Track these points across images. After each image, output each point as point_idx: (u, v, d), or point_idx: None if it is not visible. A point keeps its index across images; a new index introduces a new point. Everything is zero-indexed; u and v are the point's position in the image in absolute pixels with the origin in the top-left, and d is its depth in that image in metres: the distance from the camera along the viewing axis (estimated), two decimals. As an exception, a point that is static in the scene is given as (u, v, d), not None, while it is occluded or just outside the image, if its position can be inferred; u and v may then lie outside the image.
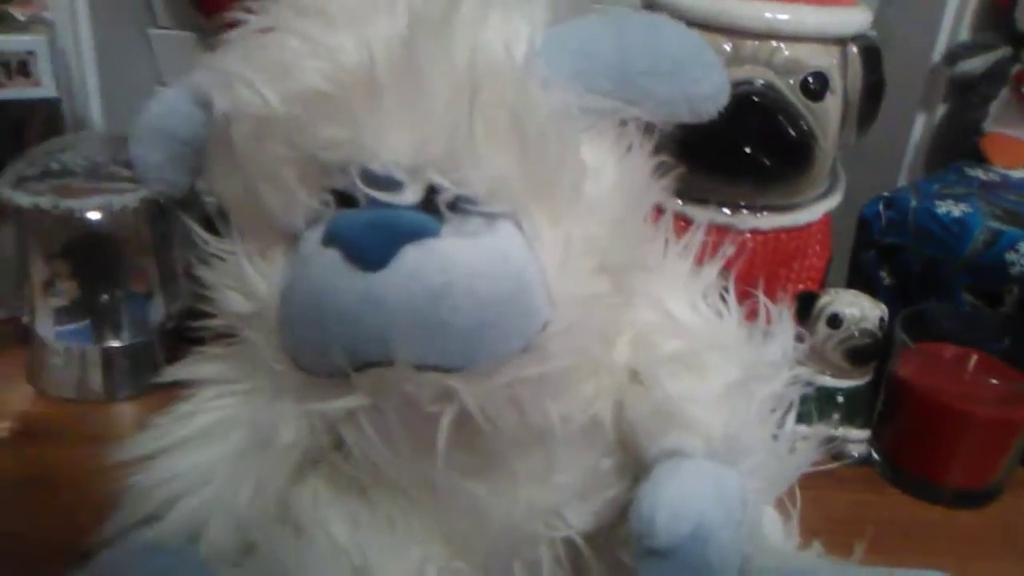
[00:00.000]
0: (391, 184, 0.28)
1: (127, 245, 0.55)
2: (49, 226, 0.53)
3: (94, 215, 0.52)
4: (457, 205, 0.28)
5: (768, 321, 0.37)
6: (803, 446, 0.36)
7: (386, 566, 0.34)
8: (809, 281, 0.60)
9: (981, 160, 0.69)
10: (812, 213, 0.59)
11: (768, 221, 0.57)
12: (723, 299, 0.38)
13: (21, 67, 0.57)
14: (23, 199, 0.51)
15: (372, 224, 0.28)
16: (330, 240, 0.28)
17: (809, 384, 0.41)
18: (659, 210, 0.39)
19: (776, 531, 0.37)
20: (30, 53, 0.57)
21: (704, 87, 0.33)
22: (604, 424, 0.35)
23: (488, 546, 0.36)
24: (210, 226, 0.34)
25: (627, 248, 0.32)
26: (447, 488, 0.34)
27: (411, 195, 0.28)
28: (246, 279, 0.32)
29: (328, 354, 0.29)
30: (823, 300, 0.54)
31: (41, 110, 0.62)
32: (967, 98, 0.72)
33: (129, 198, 0.53)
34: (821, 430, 0.54)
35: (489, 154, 0.28)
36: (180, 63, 0.78)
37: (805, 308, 0.55)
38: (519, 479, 0.35)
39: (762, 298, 0.38)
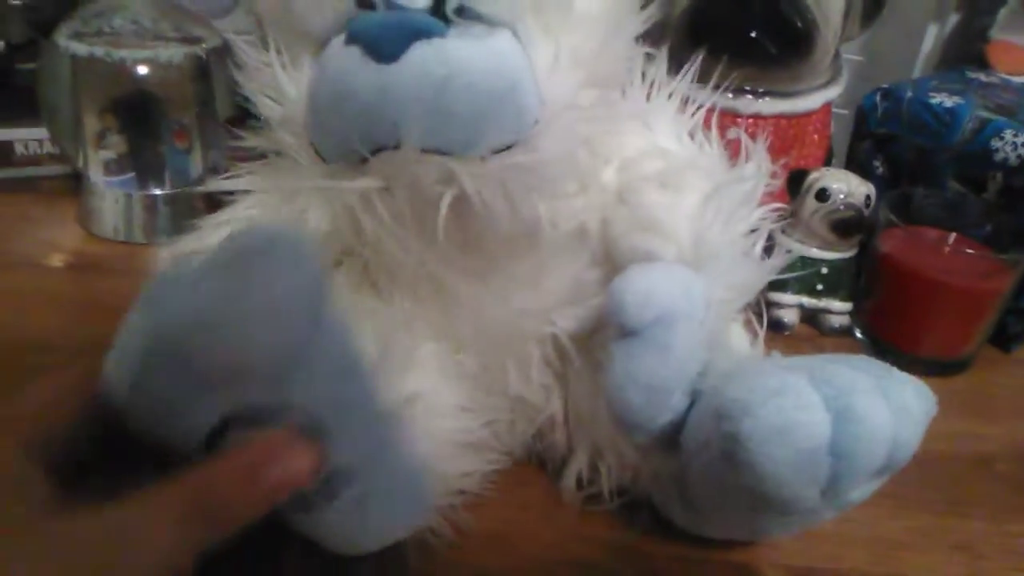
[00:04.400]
0: None
1: (171, 103, 0.59)
2: (101, 78, 0.57)
3: (142, 69, 0.57)
4: (463, 11, 0.32)
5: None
6: (769, 260, 0.40)
7: (401, 357, 0.39)
8: (807, 169, 0.64)
9: (986, 66, 0.72)
10: (812, 101, 0.62)
11: (769, 107, 0.61)
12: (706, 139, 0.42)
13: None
14: (79, 48, 0.56)
15: (387, 23, 0.32)
16: (351, 38, 0.32)
17: (783, 218, 0.45)
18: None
19: (743, 345, 0.41)
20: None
21: None
22: (590, 236, 0.39)
23: (485, 342, 0.40)
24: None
25: (611, 64, 0.36)
26: (451, 287, 0.39)
27: (422, 0, 0.32)
28: (279, 85, 0.36)
29: (347, 140, 0.33)
30: (813, 175, 0.58)
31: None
32: (976, 4, 0.74)
33: (174, 53, 0.57)
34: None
35: None
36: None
37: (796, 184, 0.58)
38: (514, 283, 0.39)
39: (743, 135, 0.41)
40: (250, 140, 0.40)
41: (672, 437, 0.36)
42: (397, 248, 0.37)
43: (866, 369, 0.32)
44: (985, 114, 0.58)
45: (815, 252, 0.58)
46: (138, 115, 0.59)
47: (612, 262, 0.39)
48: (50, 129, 0.62)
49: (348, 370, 0.29)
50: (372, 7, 0.33)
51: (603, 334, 0.38)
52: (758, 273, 0.39)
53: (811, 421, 0.30)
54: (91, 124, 0.59)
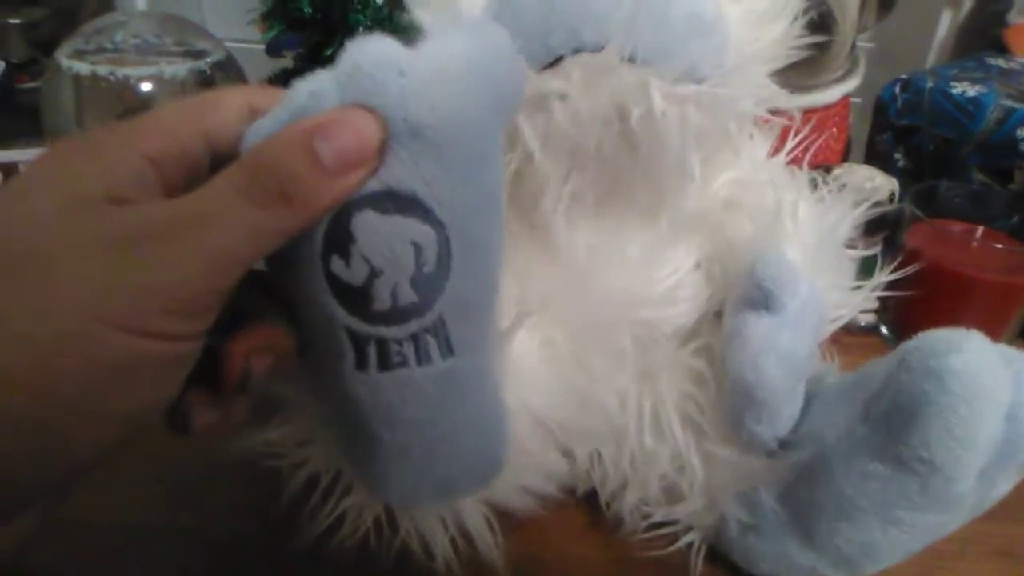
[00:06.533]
0: None
1: (176, 119, 0.58)
2: (105, 97, 0.56)
3: (146, 86, 0.56)
4: None
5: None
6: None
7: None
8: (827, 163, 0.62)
9: (1004, 51, 0.70)
10: (830, 95, 0.61)
11: (787, 101, 0.59)
12: None
13: (76, -52, 0.60)
14: (82, 68, 0.55)
15: None
16: None
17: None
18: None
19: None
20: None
21: None
22: (705, 223, 0.39)
23: (581, 320, 0.38)
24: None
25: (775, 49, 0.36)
26: (571, 245, 0.37)
27: None
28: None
29: (550, 35, 0.30)
30: (836, 172, 0.56)
31: (94, -7, 0.66)
32: (993, -12, 0.73)
33: (178, 69, 0.56)
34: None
35: None
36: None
37: (818, 181, 0.57)
38: (625, 265, 0.38)
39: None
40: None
41: (785, 438, 0.36)
42: (553, 163, 0.34)
43: None
44: (1009, 103, 0.57)
45: (839, 250, 0.57)
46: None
47: (721, 264, 0.39)
48: (55, 149, 0.61)
49: (493, 212, 0.26)
50: None
51: (707, 329, 0.39)
52: (857, 295, 0.40)
53: (1001, 373, 0.29)
54: (96, 143, 0.58)
